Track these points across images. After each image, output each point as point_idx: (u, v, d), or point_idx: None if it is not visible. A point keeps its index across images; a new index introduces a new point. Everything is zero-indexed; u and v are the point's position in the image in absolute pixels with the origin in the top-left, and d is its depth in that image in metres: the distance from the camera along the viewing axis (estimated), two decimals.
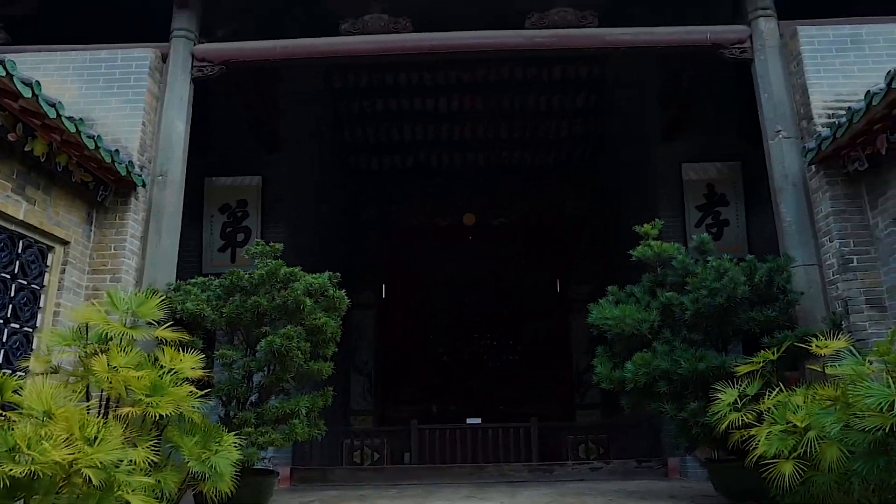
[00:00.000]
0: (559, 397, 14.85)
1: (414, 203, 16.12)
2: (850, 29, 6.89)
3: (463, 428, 10.01)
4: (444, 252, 16.46)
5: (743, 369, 4.98)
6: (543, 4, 7.82)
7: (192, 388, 4.56)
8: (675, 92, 9.86)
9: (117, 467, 3.58)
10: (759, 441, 4.22)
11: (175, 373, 4.54)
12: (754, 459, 4.19)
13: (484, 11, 7.88)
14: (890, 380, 3.63)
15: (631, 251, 6.25)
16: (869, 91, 5.32)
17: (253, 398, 5.75)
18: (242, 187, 10.33)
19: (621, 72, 11.64)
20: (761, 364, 4.93)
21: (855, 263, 5.94)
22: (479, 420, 10.33)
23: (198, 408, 4.63)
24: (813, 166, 6.33)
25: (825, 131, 6.07)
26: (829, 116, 6.36)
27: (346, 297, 5.88)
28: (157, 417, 4.50)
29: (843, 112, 5.87)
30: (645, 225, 6.21)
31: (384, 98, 13.61)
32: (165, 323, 5.09)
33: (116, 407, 4.34)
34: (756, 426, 4.42)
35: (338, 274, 6.04)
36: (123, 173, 5.97)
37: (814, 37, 6.89)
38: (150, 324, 5.02)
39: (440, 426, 10.15)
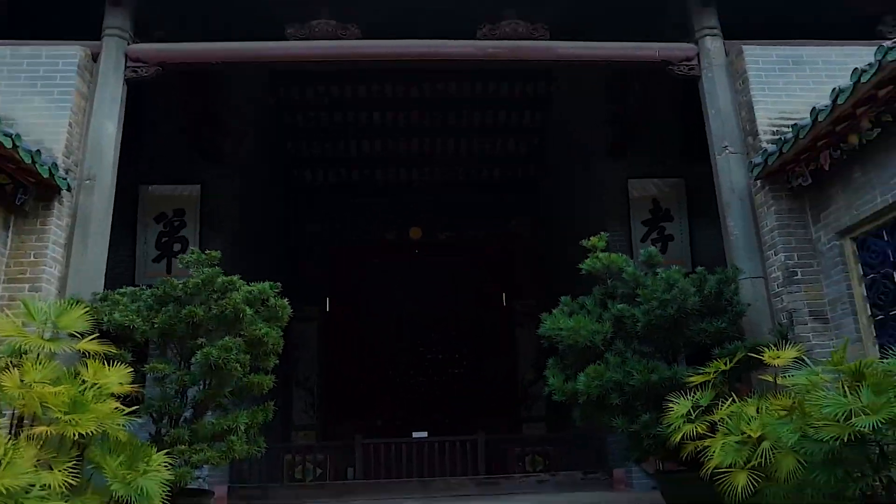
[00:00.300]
0: (505, 410, 14.73)
1: (359, 217, 15.85)
2: (792, 50, 7.06)
3: (409, 442, 9.76)
4: (390, 267, 16.22)
5: (696, 379, 4.93)
6: (494, 16, 7.76)
7: (119, 405, 4.21)
8: (621, 110, 9.95)
9: (27, 493, 3.23)
10: (713, 452, 4.15)
11: (99, 388, 4.19)
12: (709, 471, 4.11)
13: (434, 20, 7.76)
14: (846, 389, 3.61)
15: (580, 264, 6.18)
16: (814, 108, 5.41)
17: (187, 414, 5.39)
18: (180, 196, 9.88)
19: (568, 89, 11.72)
20: (713, 374, 4.90)
21: (799, 276, 6.02)
22: (425, 434, 10.08)
23: (125, 426, 4.29)
24: (759, 181, 6.42)
25: (771, 147, 6.16)
26: (773, 133, 6.47)
27: (288, 307, 5.60)
28: (78, 437, 4.14)
29: (788, 129, 5.97)
30: (592, 238, 6.15)
31: (330, 111, 13.37)
32: (90, 335, 4.72)
33: (31, 426, 3.95)
34: (710, 437, 4.35)
35: (278, 284, 5.75)
36: (45, 175, 5.55)
37: (758, 56, 7.03)
38: (72, 336, 4.64)
39: (385, 440, 9.87)
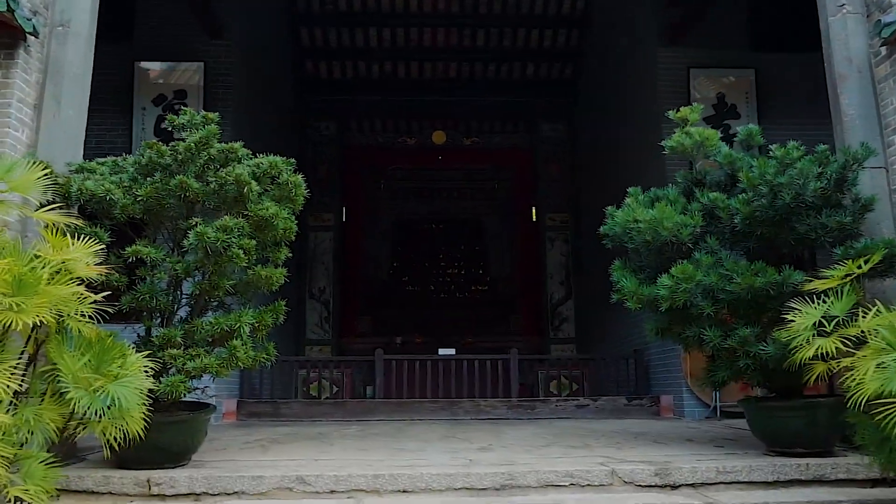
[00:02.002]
0: (531, 331, 13.90)
1: (378, 118, 14.61)
2: None
3: (434, 359, 8.88)
4: (411, 173, 15.10)
5: (820, 285, 3.86)
6: None
7: (84, 291, 3.22)
8: None
9: None
10: (863, 375, 3.13)
11: (59, 267, 3.19)
12: (861, 400, 3.09)
13: None
14: None
15: (663, 142, 5.03)
16: None
17: (182, 313, 4.42)
18: (181, 75, 8.72)
19: None
20: (843, 279, 3.83)
21: None
22: (452, 351, 9.21)
23: (93, 319, 3.31)
24: (885, 48, 5.15)
25: None
26: None
27: (304, 185, 4.53)
28: (33, 331, 3.17)
29: None
30: (682, 109, 4.95)
31: None
32: (56, 207, 3.70)
33: None
34: (851, 354, 3.33)
35: (293, 160, 4.67)
36: (3, 9, 4.40)
37: None
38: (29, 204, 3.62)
39: (409, 356, 9.00)
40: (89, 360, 3.05)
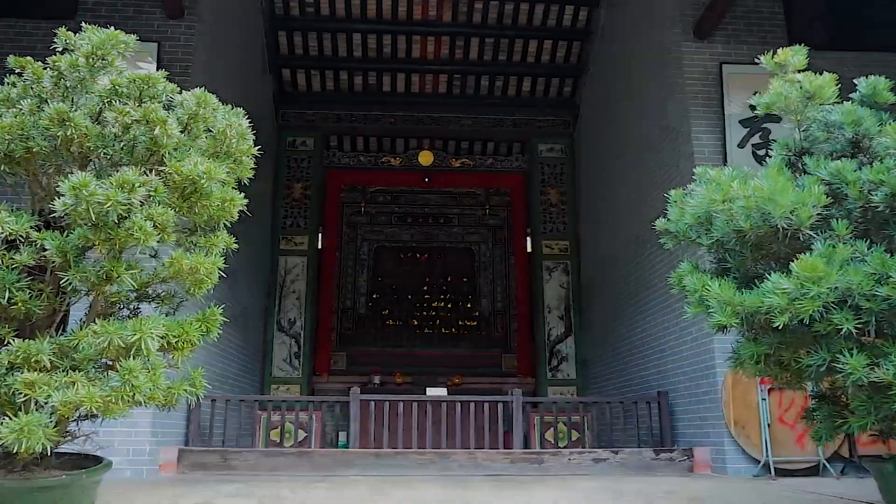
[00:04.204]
0: (525, 371, 12.41)
1: (360, 134, 13.28)
2: None
3: (421, 401, 7.37)
4: (395, 196, 13.73)
5: None
6: None
7: None
8: None
9: None
10: None
11: None
12: None
13: None
14: None
15: (754, 98, 3.70)
16: None
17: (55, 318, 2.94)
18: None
19: None
20: None
21: None
22: (443, 391, 7.69)
23: None
24: None
25: None
26: None
27: (251, 136, 3.11)
28: None
29: None
30: (781, 51, 3.61)
31: None
32: None
33: None
34: None
35: (240, 109, 3.27)
36: None
37: None
38: None
39: (391, 397, 7.47)
40: None
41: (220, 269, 3.15)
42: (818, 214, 3.13)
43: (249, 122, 3.19)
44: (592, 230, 11.61)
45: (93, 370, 2.78)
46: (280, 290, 11.80)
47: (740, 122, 7.66)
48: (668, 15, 8.30)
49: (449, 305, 13.51)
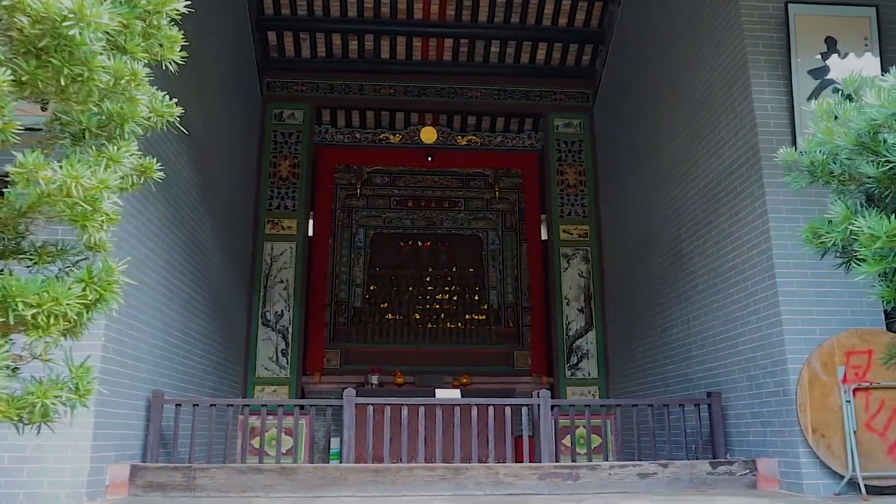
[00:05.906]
0: (541, 369, 11.16)
1: (355, 108, 12.00)
2: None
3: (428, 404, 6.09)
4: (394, 179, 12.47)
5: None
6: None
7: None
8: None
9: None
10: None
11: None
12: None
13: None
14: None
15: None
16: None
17: None
18: None
19: None
20: None
21: None
22: (456, 393, 6.41)
23: None
24: None
25: None
26: None
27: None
28: None
29: None
30: None
31: None
32: None
33: None
34: None
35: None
36: None
37: None
38: None
39: (391, 400, 6.19)
40: None
41: (124, 190, 1.91)
42: None
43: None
44: (617, 212, 10.36)
45: None
46: (265, 279, 10.52)
47: (809, 72, 6.43)
48: None
49: (454, 298, 12.30)
